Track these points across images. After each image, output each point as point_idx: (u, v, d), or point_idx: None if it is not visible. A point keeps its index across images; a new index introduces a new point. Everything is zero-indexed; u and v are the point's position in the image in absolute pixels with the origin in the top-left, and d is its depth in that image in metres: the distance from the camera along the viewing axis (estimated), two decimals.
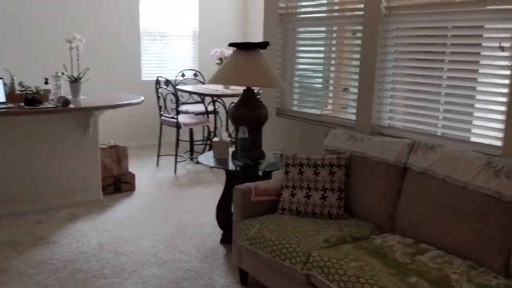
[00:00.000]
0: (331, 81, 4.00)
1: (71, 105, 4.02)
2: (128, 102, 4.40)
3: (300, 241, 2.58)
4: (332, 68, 4.03)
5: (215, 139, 3.61)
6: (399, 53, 3.25)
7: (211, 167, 3.44)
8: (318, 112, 3.98)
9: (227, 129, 6.19)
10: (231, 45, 3.47)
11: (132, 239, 3.72)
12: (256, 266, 2.87)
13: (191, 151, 6.08)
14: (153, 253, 3.49)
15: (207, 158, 3.60)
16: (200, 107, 6.13)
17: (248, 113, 3.45)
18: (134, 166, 5.53)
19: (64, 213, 4.18)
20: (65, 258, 3.36)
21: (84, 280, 3.08)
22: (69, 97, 4.31)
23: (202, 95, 5.98)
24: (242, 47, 3.43)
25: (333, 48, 3.97)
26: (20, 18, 5.64)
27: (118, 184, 4.70)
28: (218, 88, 5.87)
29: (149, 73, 6.72)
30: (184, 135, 6.27)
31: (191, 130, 6.07)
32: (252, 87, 3.53)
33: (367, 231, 2.76)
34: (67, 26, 5.65)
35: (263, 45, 3.47)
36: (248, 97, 3.50)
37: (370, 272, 2.23)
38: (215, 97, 5.87)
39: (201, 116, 5.89)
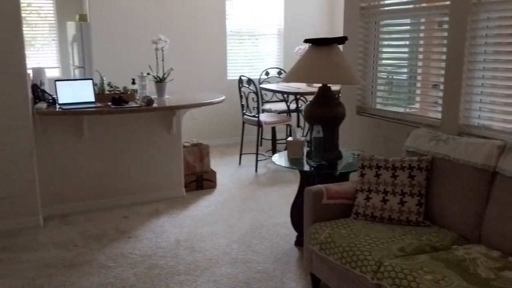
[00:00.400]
0: (419, 77, 3.74)
1: (154, 105, 4.16)
2: (209, 101, 4.46)
3: (372, 249, 2.43)
4: (420, 63, 3.76)
5: (289, 138, 3.53)
6: (491, 46, 2.94)
7: (284, 167, 3.37)
8: (401, 110, 3.74)
9: (302, 128, 6.07)
10: (306, 41, 3.36)
11: (209, 236, 3.76)
12: (326, 272, 2.75)
13: (273, 149, 6.05)
14: (227, 251, 3.50)
15: (281, 157, 3.53)
16: (283, 106, 6.08)
17: (323, 111, 3.33)
18: (217, 164, 5.61)
19: (149, 208, 4.33)
20: (144, 253, 3.48)
21: (158, 275, 3.15)
22: (154, 96, 4.46)
23: (284, 93, 5.91)
24: (318, 43, 3.31)
25: (421, 42, 3.71)
26: (110, 22, 5.96)
27: (200, 181, 4.80)
28: (301, 86, 5.77)
29: (234, 72, 6.80)
30: (268, 134, 6.26)
31: (273, 129, 6.04)
32: (329, 85, 3.39)
33: (448, 241, 2.52)
34: (155, 27, 5.87)
35: (341, 40, 3.32)
36: (324, 95, 3.37)
37: (447, 287, 2.02)
38: (298, 95, 5.78)
39: (284, 114, 5.84)
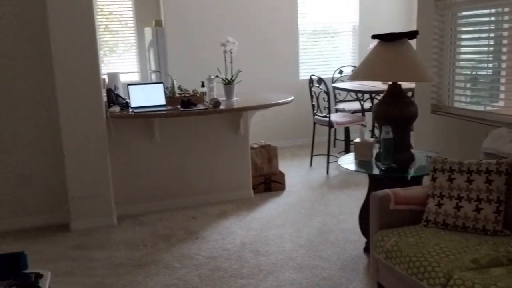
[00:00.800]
0: (503, 72, 3.43)
1: (221, 107, 4.17)
2: (277, 102, 4.40)
3: (441, 260, 2.23)
4: (504, 57, 3.45)
5: (357, 139, 3.37)
6: None
7: (351, 171, 3.23)
8: (481, 108, 3.45)
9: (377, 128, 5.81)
10: (374, 37, 3.20)
11: (274, 239, 3.70)
12: (393, 282, 2.57)
13: (346, 150, 5.85)
14: (292, 256, 3.41)
15: (349, 160, 3.39)
16: (356, 105, 5.87)
17: (393, 111, 3.14)
18: (287, 166, 5.53)
19: (217, 209, 4.36)
20: (209, 255, 3.48)
21: (222, 278, 3.14)
22: (223, 98, 4.48)
23: (357, 92, 5.71)
24: (387, 39, 3.12)
25: (505, 33, 3.39)
26: (183, 27, 6.09)
27: (269, 183, 4.75)
28: (375, 84, 5.54)
29: (308, 72, 6.68)
30: (342, 134, 6.08)
31: (346, 129, 5.85)
32: (400, 82, 3.20)
33: None
34: (226, 29, 5.90)
35: (411, 34, 3.11)
36: (393, 93, 3.18)
37: None
38: (373, 94, 5.55)
39: (358, 114, 5.64)
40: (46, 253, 3.59)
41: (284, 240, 3.68)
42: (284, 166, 5.40)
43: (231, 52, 4.60)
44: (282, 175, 4.81)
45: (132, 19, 6.67)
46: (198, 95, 4.39)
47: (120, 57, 6.82)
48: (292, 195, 4.67)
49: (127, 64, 6.79)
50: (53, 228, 4.01)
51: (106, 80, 4.35)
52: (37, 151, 4.05)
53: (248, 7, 6.30)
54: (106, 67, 6.56)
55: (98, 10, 6.52)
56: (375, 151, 3.36)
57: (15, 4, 3.83)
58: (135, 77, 6.76)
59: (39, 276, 2.43)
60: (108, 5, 6.58)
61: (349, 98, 6.29)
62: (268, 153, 4.77)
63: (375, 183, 3.27)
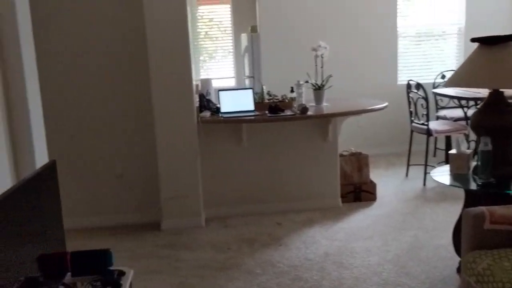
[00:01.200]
0: None
1: (309, 112, 4.11)
2: (368, 108, 4.24)
3: None
4: None
5: (452, 151, 3.12)
6: None
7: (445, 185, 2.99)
8: None
9: (468, 139, 5.33)
10: (473, 40, 2.94)
11: (360, 252, 3.55)
12: None
13: (447, 161, 5.46)
14: (377, 271, 3.24)
15: (444, 172, 3.15)
16: (459, 112, 5.47)
17: (493, 120, 2.86)
18: (381, 175, 5.30)
19: (302, 217, 4.29)
20: (291, 263, 3.43)
21: None
22: (312, 104, 4.42)
23: (460, 99, 5.31)
24: (489, 42, 2.86)
25: None
26: (277, 32, 6.10)
27: (358, 192, 4.58)
28: (481, 91, 5.11)
29: (407, 76, 6.36)
30: (442, 143, 5.70)
31: (447, 138, 5.47)
32: (502, 90, 2.91)
33: None
34: (319, 33, 5.80)
35: None
36: (494, 102, 2.90)
37: None
38: (478, 101, 5.13)
39: (461, 122, 5.24)
40: (136, 250, 3.78)
41: (370, 254, 3.52)
42: (378, 175, 5.19)
43: (322, 57, 4.52)
44: (373, 185, 4.61)
45: (230, 25, 6.83)
46: (286, 100, 4.37)
47: (219, 63, 7.02)
48: (383, 206, 4.46)
49: (225, 70, 6.97)
50: (145, 226, 4.22)
51: (200, 86, 4.48)
52: (133, 153, 4.29)
53: (343, 11, 6.16)
54: (205, 73, 6.79)
55: (199, 17, 6.77)
56: (473, 163, 3.09)
57: (116, 7, 4.10)
58: (232, 83, 6.91)
59: (121, 273, 2.55)
60: (209, 12, 6.81)
61: (451, 104, 5.88)
62: (358, 161, 4.60)
63: (471, 199, 3.00)
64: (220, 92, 4.28)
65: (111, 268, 2.55)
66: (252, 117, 4.09)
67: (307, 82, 4.49)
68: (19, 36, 2.84)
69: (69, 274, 2.47)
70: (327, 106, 4.44)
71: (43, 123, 3.13)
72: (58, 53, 4.10)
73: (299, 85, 4.38)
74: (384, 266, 3.31)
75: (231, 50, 6.89)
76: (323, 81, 4.48)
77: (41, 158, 2.98)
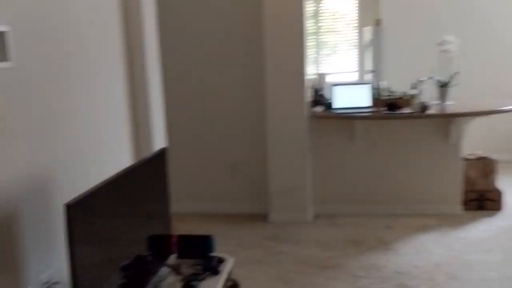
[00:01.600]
0: None
1: (430, 111, 3.85)
2: (498, 109, 3.86)
3: None
4: None
5: None
6: None
7: None
8: None
9: None
10: None
11: (476, 265, 3.26)
12: None
13: None
14: (492, 287, 2.95)
15: None
16: None
17: None
18: (511, 183, 4.78)
19: (416, 222, 4.03)
20: (397, 269, 3.26)
21: None
22: (435, 102, 4.14)
23: None
24: None
25: None
26: (403, 26, 5.79)
27: (482, 200, 4.19)
28: None
29: None
30: None
31: None
32: None
33: None
34: (448, 26, 5.38)
35: None
36: None
37: None
38: None
39: None
40: (243, 239, 3.87)
41: (489, 268, 3.21)
42: (508, 183, 4.69)
43: (448, 52, 4.20)
44: (499, 193, 4.19)
45: (355, 18, 6.66)
46: (405, 97, 4.14)
47: (343, 57, 6.89)
48: (509, 218, 4.03)
49: (349, 64, 6.82)
50: (253, 217, 4.30)
51: (316, 81, 4.44)
52: (246, 145, 4.39)
53: (478, 2, 5.65)
54: (327, 67, 6.72)
55: (323, 12, 6.70)
56: None
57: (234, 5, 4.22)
58: (355, 77, 6.74)
59: (221, 260, 2.64)
60: (333, 6, 6.70)
61: None
62: (484, 167, 4.21)
63: None
64: (334, 87, 4.19)
65: (213, 254, 2.66)
66: (366, 114, 3.95)
67: (429, 78, 4.21)
68: (144, 30, 3.09)
69: (172, 256, 2.63)
70: (451, 105, 4.12)
71: (163, 113, 3.37)
72: (178, 47, 4.31)
73: (420, 82, 4.12)
74: (503, 284, 3.01)
75: (355, 44, 6.72)
76: (450, 77, 4.16)
77: (159, 144, 3.20)
